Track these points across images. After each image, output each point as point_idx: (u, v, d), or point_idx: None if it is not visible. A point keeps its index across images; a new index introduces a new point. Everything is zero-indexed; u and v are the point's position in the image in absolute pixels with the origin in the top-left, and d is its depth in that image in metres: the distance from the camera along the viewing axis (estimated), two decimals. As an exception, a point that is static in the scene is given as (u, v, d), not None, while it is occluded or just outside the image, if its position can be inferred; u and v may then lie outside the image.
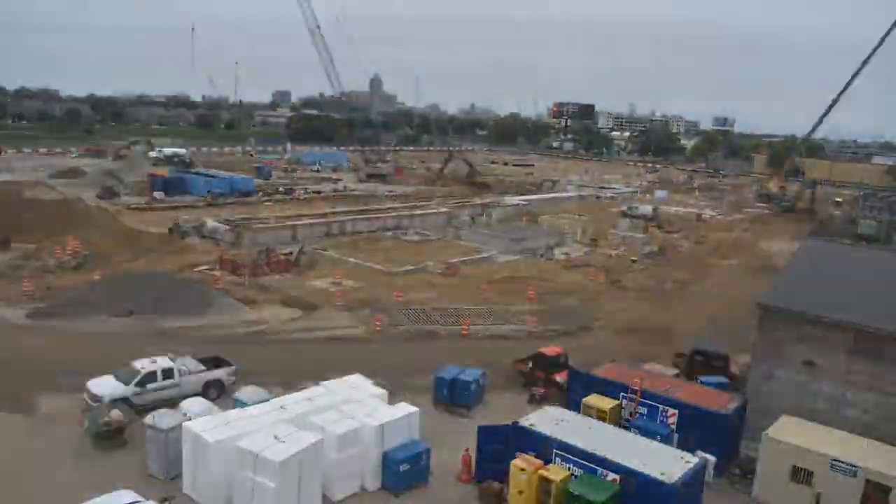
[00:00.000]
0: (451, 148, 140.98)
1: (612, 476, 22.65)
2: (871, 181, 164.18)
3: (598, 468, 23.07)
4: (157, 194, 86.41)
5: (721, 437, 26.85)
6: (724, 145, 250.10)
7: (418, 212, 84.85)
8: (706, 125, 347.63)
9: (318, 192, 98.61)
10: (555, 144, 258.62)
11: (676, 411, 27.98)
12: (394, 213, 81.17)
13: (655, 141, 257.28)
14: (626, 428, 27.39)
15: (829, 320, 27.54)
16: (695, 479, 22.98)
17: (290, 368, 34.54)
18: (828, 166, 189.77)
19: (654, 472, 22.20)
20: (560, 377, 33.53)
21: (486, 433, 25.98)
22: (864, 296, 28.90)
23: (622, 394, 29.24)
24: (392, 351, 38.77)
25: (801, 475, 24.55)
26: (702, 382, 32.33)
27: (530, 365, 34.99)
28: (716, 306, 50.99)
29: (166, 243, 61.07)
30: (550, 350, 35.85)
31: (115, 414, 26.33)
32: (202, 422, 24.21)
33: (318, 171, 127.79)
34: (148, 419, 24.88)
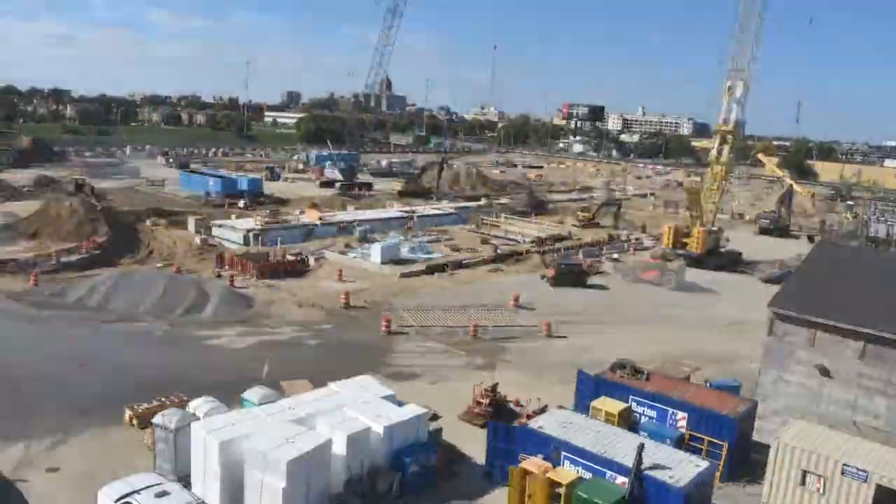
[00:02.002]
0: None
1: (620, 479, 22.59)
2: (883, 184, 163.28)
3: (606, 471, 23.03)
4: None
5: (731, 440, 26.73)
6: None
7: (431, 212, 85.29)
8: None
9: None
10: (561, 145, 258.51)
11: (686, 414, 27.87)
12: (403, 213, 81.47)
13: (665, 142, 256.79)
14: (634, 431, 27.29)
15: (840, 325, 27.39)
16: (704, 483, 22.89)
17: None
18: (840, 169, 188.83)
19: (662, 475, 22.13)
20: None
21: (497, 432, 25.85)
22: (875, 300, 28.69)
23: (631, 396, 29.17)
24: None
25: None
26: (711, 386, 32.20)
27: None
28: None
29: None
30: None
31: None
32: (210, 421, 24.29)
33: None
34: (157, 419, 24.94)
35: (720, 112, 67.74)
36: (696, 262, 65.86)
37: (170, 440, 24.23)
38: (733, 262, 68.32)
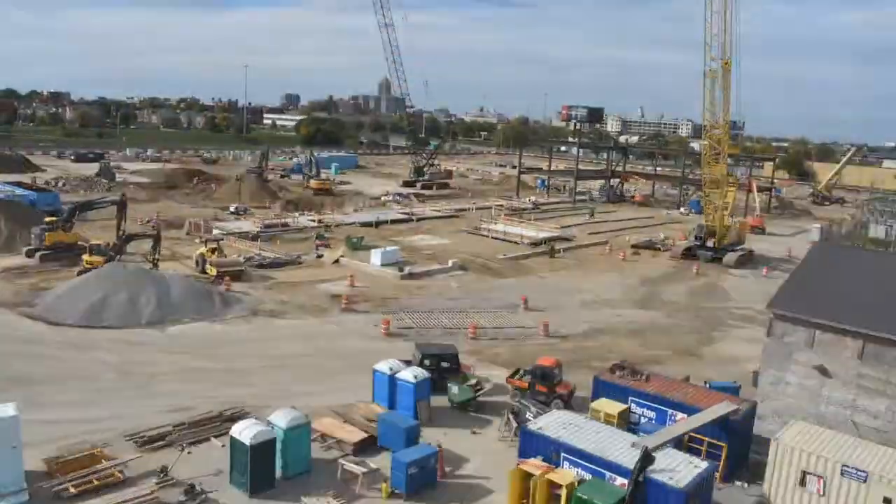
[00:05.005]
0: None
1: (620, 480, 22.60)
2: (881, 185, 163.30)
3: (606, 472, 23.04)
4: None
5: (730, 441, 26.75)
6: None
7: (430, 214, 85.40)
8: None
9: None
10: (563, 148, 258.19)
11: (685, 415, 27.87)
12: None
13: (664, 144, 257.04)
14: (634, 432, 27.31)
15: (839, 325, 27.42)
16: (703, 484, 22.90)
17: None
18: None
19: (662, 476, 22.13)
20: (562, 389, 32.17)
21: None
22: (874, 300, 28.73)
23: (630, 397, 29.20)
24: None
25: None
26: (711, 387, 32.21)
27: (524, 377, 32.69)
28: None
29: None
30: (546, 361, 33.45)
31: None
32: None
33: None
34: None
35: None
36: None
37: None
38: None
